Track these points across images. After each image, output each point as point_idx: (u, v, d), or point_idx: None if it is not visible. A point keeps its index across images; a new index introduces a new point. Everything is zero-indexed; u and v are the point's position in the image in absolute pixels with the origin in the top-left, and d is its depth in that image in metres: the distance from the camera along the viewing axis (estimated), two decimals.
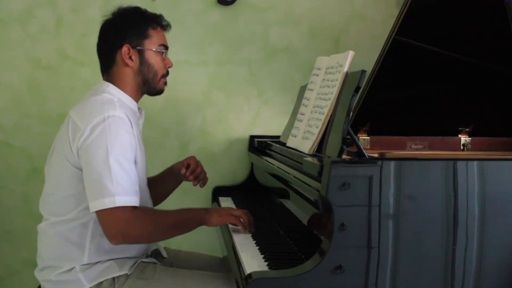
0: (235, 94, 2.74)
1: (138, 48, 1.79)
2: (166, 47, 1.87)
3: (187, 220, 1.75)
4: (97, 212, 1.60)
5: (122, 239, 1.63)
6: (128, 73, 1.80)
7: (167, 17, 2.71)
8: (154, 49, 1.82)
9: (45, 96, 2.64)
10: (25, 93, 2.63)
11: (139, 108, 1.88)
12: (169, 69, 1.88)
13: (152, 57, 1.82)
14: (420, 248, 1.43)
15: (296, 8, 2.74)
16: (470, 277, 1.45)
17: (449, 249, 1.44)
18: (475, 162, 1.47)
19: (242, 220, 1.82)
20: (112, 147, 1.60)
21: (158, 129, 2.68)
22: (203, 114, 2.72)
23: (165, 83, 1.89)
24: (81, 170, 1.65)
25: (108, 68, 1.82)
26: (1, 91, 2.62)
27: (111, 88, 1.78)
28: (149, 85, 1.84)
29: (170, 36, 2.65)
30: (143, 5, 1.92)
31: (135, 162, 1.71)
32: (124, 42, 1.78)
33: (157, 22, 1.86)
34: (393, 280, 1.41)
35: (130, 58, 1.79)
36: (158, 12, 1.85)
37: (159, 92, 1.89)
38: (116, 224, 1.60)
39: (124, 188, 1.60)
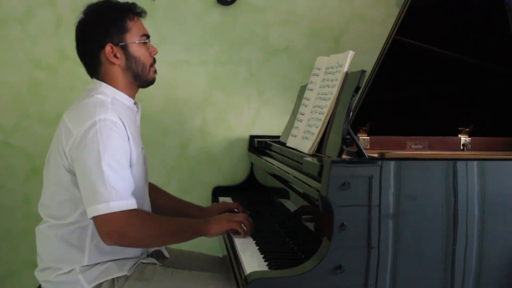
0: (235, 94, 2.74)
1: (121, 44, 1.74)
2: (148, 36, 1.80)
3: (184, 229, 1.72)
4: (93, 217, 1.59)
5: (116, 240, 1.61)
6: (117, 71, 1.76)
7: (167, 17, 2.71)
8: (137, 42, 1.76)
9: (45, 96, 2.64)
10: (25, 93, 2.63)
11: (135, 103, 1.84)
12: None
13: (137, 50, 1.76)
14: (420, 248, 1.43)
15: (296, 8, 2.74)
16: (470, 277, 1.45)
17: (449, 249, 1.44)
18: (475, 162, 1.47)
19: (243, 226, 1.77)
20: (104, 152, 1.58)
21: (158, 129, 2.68)
22: (203, 114, 2.72)
23: (155, 71, 1.83)
24: (75, 175, 1.64)
25: (96, 69, 1.77)
26: (1, 91, 2.62)
27: (104, 87, 1.74)
28: (140, 79, 1.79)
29: (170, 36, 2.66)
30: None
31: (131, 165, 1.68)
32: (106, 42, 1.72)
33: (132, 11, 1.78)
34: (393, 280, 1.41)
35: (115, 56, 1.74)
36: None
37: (151, 82, 1.83)
38: (110, 226, 1.58)
39: (118, 192, 1.58)
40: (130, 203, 1.61)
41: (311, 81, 1.94)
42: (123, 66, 1.76)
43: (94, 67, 1.77)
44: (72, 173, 1.64)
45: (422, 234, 1.43)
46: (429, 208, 1.43)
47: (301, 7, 2.74)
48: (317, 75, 1.90)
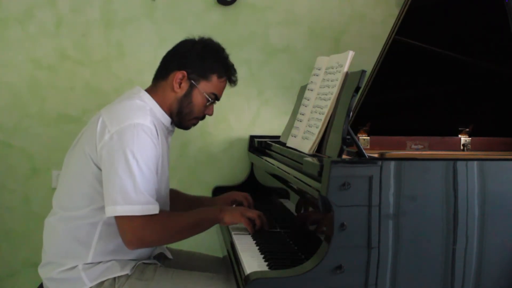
0: (235, 94, 2.72)
1: (192, 81, 1.80)
2: (217, 98, 1.87)
3: (201, 221, 1.76)
4: (116, 216, 1.62)
5: (137, 245, 1.66)
6: (170, 96, 1.81)
7: (167, 17, 2.71)
8: (204, 94, 1.82)
9: (45, 96, 2.64)
10: (25, 93, 2.63)
11: (172, 125, 1.88)
12: None
13: (198, 98, 1.82)
14: (420, 248, 1.43)
15: (296, 8, 2.74)
16: (470, 277, 1.45)
17: (449, 249, 1.44)
18: (475, 162, 1.47)
19: (255, 223, 1.80)
20: (137, 155, 1.62)
21: None
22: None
23: (194, 125, 1.90)
24: (101, 170, 1.66)
25: (159, 78, 1.84)
26: (1, 91, 2.62)
27: (146, 97, 1.79)
28: (180, 117, 1.84)
29: (170, 36, 2.66)
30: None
31: (156, 172, 1.72)
32: (185, 68, 1.79)
33: (227, 73, 1.86)
34: (393, 280, 1.41)
35: (180, 84, 1.79)
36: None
37: (184, 127, 1.90)
38: (134, 230, 1.62)
39: (145, 197, 1.62)
40: (154, 208, 1.64)
41: (311, 81, 1.94)
42: (178, 97, 1.82)
43: (160, 76, 1.84)
44: (99, 167, 1.67)
45: (422, 234, 1.43)
46: (429, 208, 1.43)
47: (301, 7, 2.74)
48: (317, 75, 1.90)
